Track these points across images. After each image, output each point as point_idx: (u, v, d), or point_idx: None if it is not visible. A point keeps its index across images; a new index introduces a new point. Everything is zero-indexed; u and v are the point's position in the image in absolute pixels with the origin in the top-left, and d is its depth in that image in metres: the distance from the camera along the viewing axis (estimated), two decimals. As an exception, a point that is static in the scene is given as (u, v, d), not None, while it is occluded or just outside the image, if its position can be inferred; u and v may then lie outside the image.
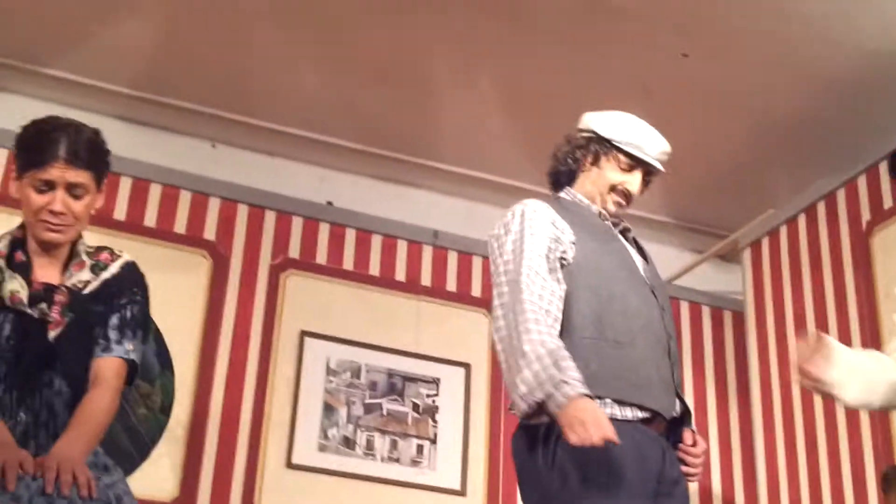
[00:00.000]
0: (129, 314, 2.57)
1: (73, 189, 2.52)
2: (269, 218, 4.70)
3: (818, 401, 4.44)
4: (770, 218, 4.87)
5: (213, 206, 4.63)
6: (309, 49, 4.30)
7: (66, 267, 2.59)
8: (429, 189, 5.04)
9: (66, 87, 4.50)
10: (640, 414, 2.56)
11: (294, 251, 4.68)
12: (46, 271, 2.57)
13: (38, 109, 4.47)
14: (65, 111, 4.48)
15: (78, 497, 2.24)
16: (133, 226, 4.42)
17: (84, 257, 2.61)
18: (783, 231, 4.84)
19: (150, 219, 4.49)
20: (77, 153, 2.51)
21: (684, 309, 5.21)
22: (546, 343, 2.48)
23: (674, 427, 2.69)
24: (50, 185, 2.51)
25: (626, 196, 2.85)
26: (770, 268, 4.85)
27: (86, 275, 2.58)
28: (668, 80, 4.31)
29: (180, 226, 4.54)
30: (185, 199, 4.60)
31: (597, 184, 2.84)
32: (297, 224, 4.74)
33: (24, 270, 2.54)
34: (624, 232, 2.88)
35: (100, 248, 2.65)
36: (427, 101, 4.57)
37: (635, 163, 2.84)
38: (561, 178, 2.92)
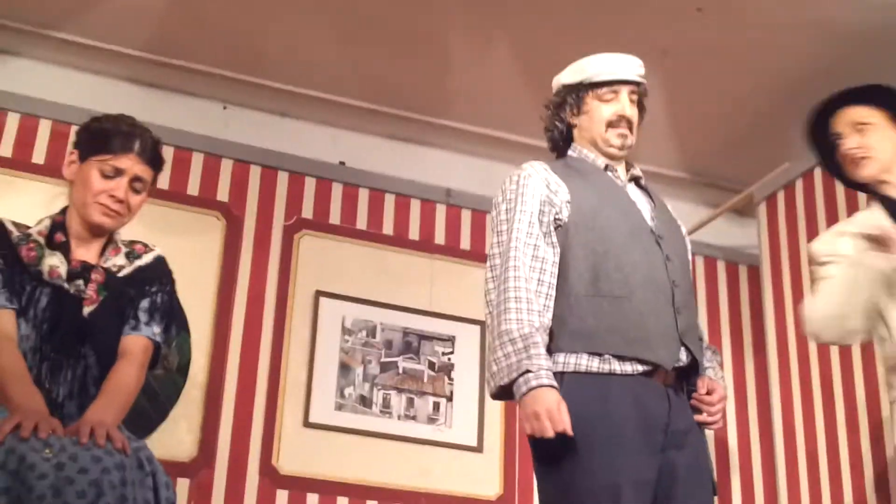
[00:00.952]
0: (158, 301, 2.73)
1: (135, 182, 2.72)
2: (282, 179, 4.70)
3: (835, 353, 4.43)
4: (785, 172, 4.84)
5: (226, 167, 4.63)
6: (320, 9, 4.28)
7: (102, 251, 2.73)
8: (441, 147, 5.02)
9: (76, 50, 4.50)
10: (641, 367, 2.56)
11: (307, 212, 4.68)
12: (85, 253, 2.70)
13: (49, 73, 4.51)
14: (76, 74, 4.55)
15: (114, 449, 2.30)
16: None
17: (120, 244, 2.77)
18: (799, 184, 4.81)
19: (163, 181, 4.43)
20: (149, 151, 2.75)
21: (700, 264, 5.21)
22: (523, 324, 2.50)
23: (686, 376, 2.69)
24: (118, 173, 2.68)
25: (626, 122, 2.83)
26: (786, 222, 4.82)
27: (121, 260, 2.73)
28: (683, 38, 4.27)
29: (193, 188, 4.55)
30: (197, 160, 4.59)
31: (591, 129, 2.84)
32: (309, 184, 4.74)
33: (64, 250, 2.66)
34: (636, 179, 2.86)
35: (133, 241, 2.82)
36: (439, 60, 4.54)
37: (615, 87, 2.83)
38: (558, 143, 2.93)
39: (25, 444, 2.23)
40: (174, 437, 4.12)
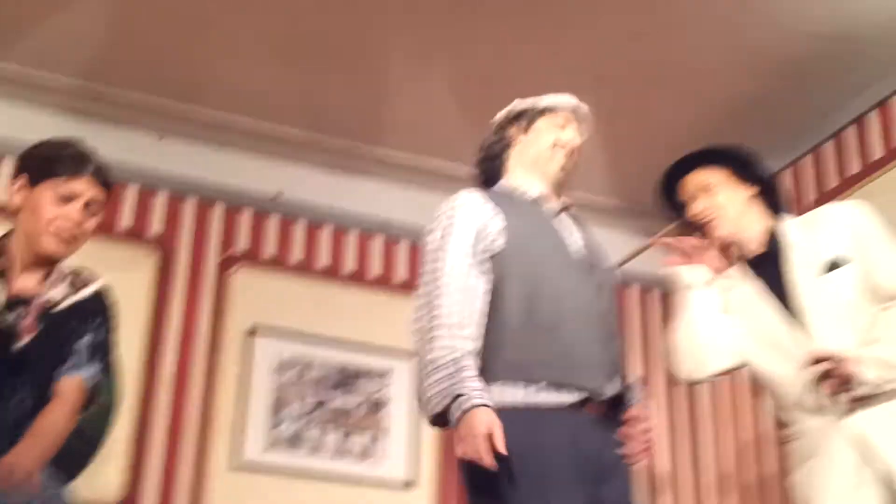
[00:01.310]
0: (98, 338, 2.66)
1: (90, 205, 2.65)
2: (218, 211, 4.65)
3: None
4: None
5: (161, 200, 4.57)
6: (260, 38, 4.25)
7: (44, 279, 2.65)
8: (379, 178, 5.00)
9: (7, 79, 4.42)
10: (574, 397, 2.54)
11: (243, 244, 4.64)
12: (25, 282, 2.63)
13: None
14: (6, 105, 4.45)
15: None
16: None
17: (63, 273, 2.69)
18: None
19: (95, 214, 4.42)
20: (103, 174, 2.69)
21: (635, 293, 5.24)
22: (454, 349, 2.48)
23: (616, 407, 2.67)
24: (73, 196, 2.61)
25: (570, 149, 2.85)
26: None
27: (62, 290, 2.65)
28: (619, 65, 4.30)
29: (127, 220, 4.48)
30: (132, 192, 4.53)
31: (536, 147, 2.85)
32: (246, 217, 4.69)
33: (1, 277, 2.59)
34: (566, 208, 2.87)
35: (78, 269, 2.74)
36: (377, 89, 4.54)
37: (565, 114, 2.87)
38: (490, 170, 2.91)
39: None
40: (102, 479, 4.04)
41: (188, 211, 4.60)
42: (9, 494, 2.26)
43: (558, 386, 2.53)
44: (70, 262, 2.75)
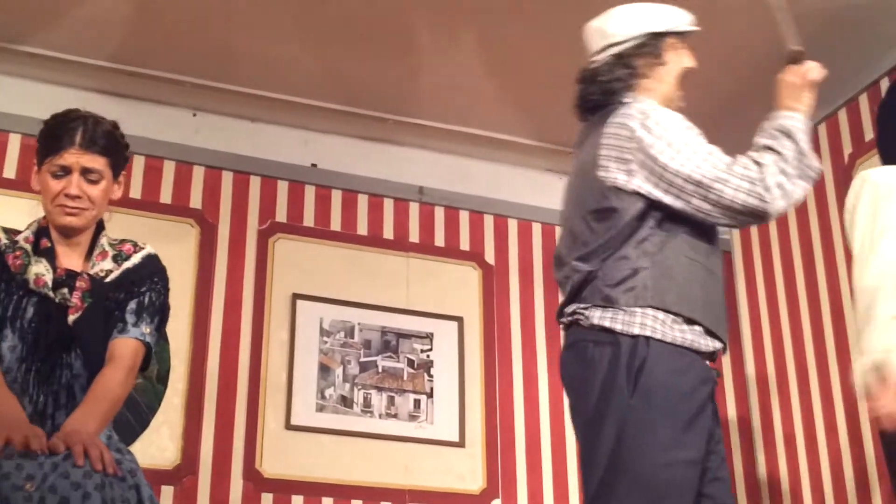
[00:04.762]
0: (146, 300, 2.66)
1: (88, 174, 2.64)
2: (255, 183, 4.72)
3: (808, 338, 4.48)
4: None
5: (198, 174, 4.64)
6: (287, 12, 4.28)
7: (88, 256, 2.69)
8: (412, 146, 5.04)
9: (44, 63, 4.48)
10: (716, 345, 2.59)
11: (281, 215, 4.70)
12: (70, 259, 2.67)
13: (17, 87, 4.50)
14: (44, 87, 4.53)
15: (93, 469, 2.28)
16: (119, 198, 4.41)
17: (107, 248, 2.72)
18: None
19: (136, 190, 4.50)
20: (93, 139, 2.64)
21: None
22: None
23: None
24: (66, 170, 2.63)
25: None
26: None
27: (108, 264, 2.69)
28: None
29: (166, 196, 4.55)
30: (169, 168, 4.60)
31: (667, 80, 2.73)
32: (282, 188, 4.75)
33: (49, 256, 2.64)
34: None
35: (123, 241, 2.76)
36: (408, 58, 4.55)
37: (687, 38, 2.77)
38: (603, 102, 2.73)
39: (7, 482, 2.20)
40: (157, 446, 4.13)
41: (226, 184, 4.67)
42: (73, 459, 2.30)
43: (710, 333, 2.57)
44: (113, 234, 2.78)
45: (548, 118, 4.77)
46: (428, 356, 4.66)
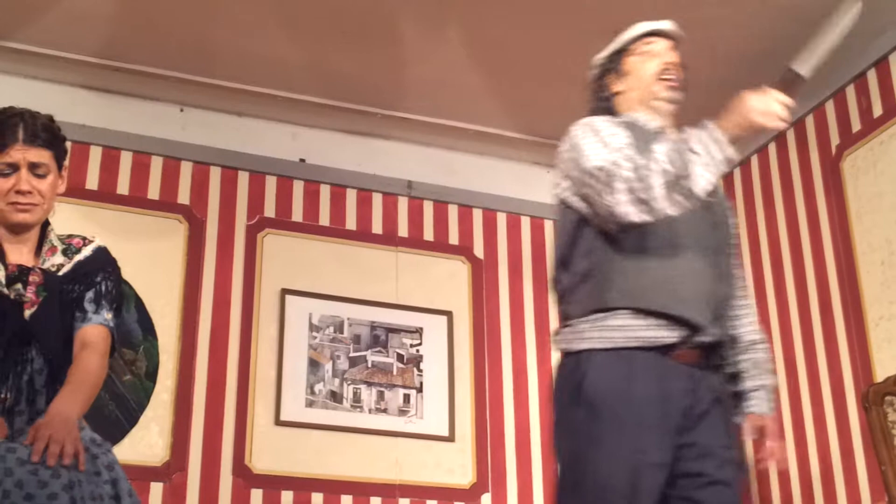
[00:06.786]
0: (103, 289, 2.67)
1: (35, 168, 2.63)
2: (243, 179, 4.71)
3: (796, 323, 4.49)
4: (739, 148, 4.89)
5: (186, 170, 4.63)
6: (275, 6, 4.27)
7: (37, 252, 2.68)
8: (401, 140, 5.04)
9: (29, 59, 4.46)
10: (674, 335, 2.50)
11: (269, 210, 4.69)
12: (19, 255, 2.66)
13: (2, 84, 4.47)
14: (31, 84, 4.52)
15: (62, 467, 2.27)
16: (106, 194, 4.42)
17: (56, 243, 2.72)
18: (754, 161, 4.88)
19: (123, 186, 4.49)
20: (35, 134, 2.64)
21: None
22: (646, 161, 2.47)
23: (715, 353, 2.61)
24: (13, 167, 2.62)
25: (675, 69, 2.77)
26: (743, 197, 4.89)
27: (59, 258, 2.68)
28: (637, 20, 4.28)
29: (154, 192, 4.54)
30: (156, 164, 4.59)
31: (640, 85, 2.76)
32: (270, 183, 4.75)
33: None
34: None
35: (70, 235, 2.76)
36: (397, 53, 4.54)
37: (656, 39, 2.78)
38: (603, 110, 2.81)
39: None
40: (146, 442, 4.13)
41: (214, 179, 4.66)
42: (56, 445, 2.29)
43: (663, 316, 2.49)
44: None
45: (536, 112, 4.78)
46: (417, 351, 4.67)
